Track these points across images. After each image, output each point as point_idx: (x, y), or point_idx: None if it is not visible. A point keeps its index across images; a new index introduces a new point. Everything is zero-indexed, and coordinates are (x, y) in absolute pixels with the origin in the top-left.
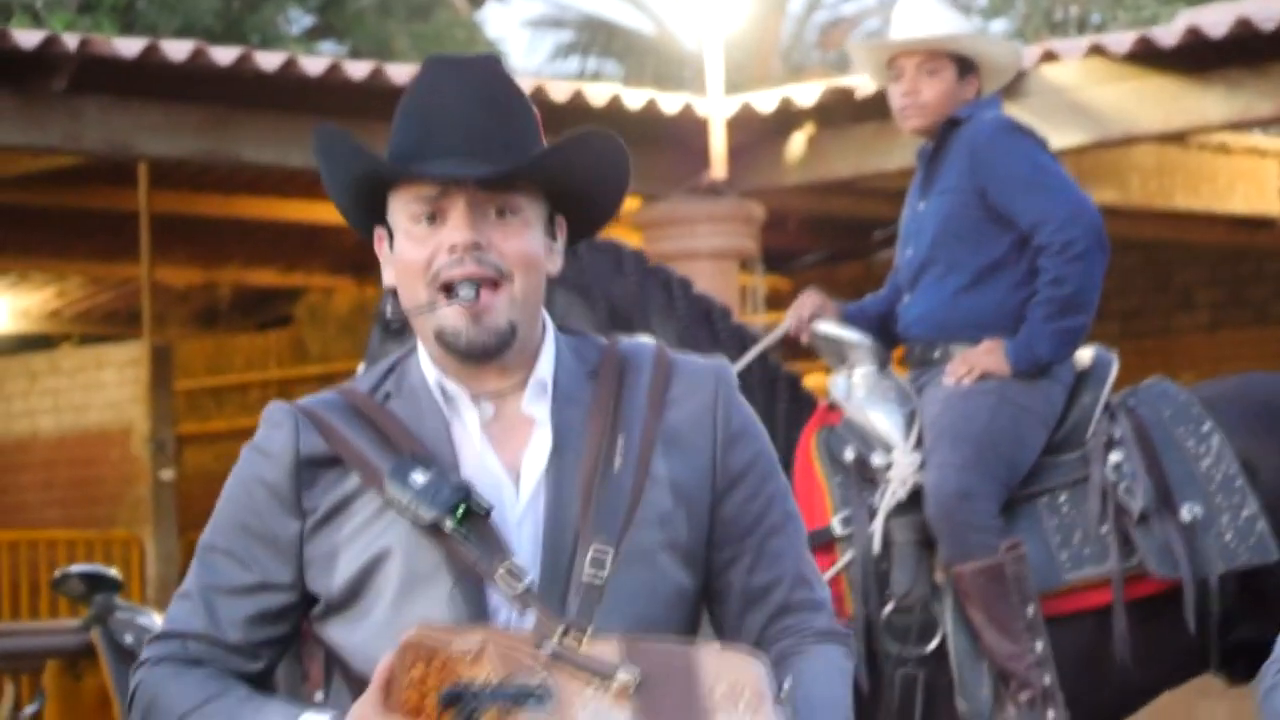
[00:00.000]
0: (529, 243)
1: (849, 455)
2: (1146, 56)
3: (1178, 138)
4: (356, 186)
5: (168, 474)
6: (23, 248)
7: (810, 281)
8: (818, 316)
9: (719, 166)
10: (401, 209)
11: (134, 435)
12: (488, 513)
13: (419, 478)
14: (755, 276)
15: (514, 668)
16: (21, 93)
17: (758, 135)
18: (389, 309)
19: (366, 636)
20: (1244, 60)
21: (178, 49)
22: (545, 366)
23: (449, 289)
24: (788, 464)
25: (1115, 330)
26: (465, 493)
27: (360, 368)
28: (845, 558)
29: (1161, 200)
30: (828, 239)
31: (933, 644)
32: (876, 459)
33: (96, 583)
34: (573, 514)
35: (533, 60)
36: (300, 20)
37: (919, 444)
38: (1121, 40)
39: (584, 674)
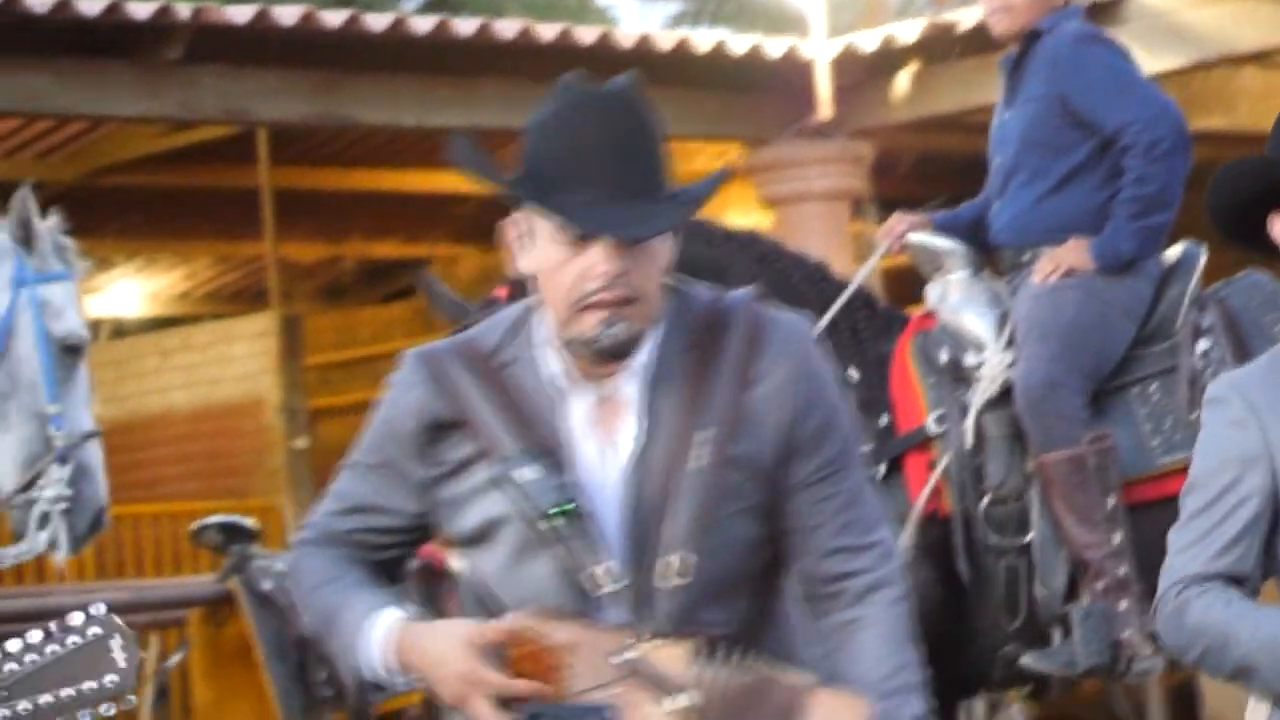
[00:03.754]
0: (660, 266)
1: (943, 357)
2: None
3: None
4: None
5: (301, 442)
6: (148, 230)
7: None
8: (911, 231)
9: (824, 108)
10: (550, 227)
11: (266, 406)
12: (584, 516)
13: (529, 473)
14: (868, 221)
15: (596, 673)
16: (136, 64)
17: (862, 75)
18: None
19: (492, 572)
20: None
21: (288, 13)
22: (647, 352)
23: (590, 308)
24: (882, 373)
25: (1231, 259)
26: (568, 495)
27: None
28: (941, 455)
29: (1268, 124)
30: (942, 180)
31: (1031, 534)
32: (969, 359)
33: (233, 533)
34: (655, 507)
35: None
36: None
37: (1010, 343)
38: None
39: (653, 688)
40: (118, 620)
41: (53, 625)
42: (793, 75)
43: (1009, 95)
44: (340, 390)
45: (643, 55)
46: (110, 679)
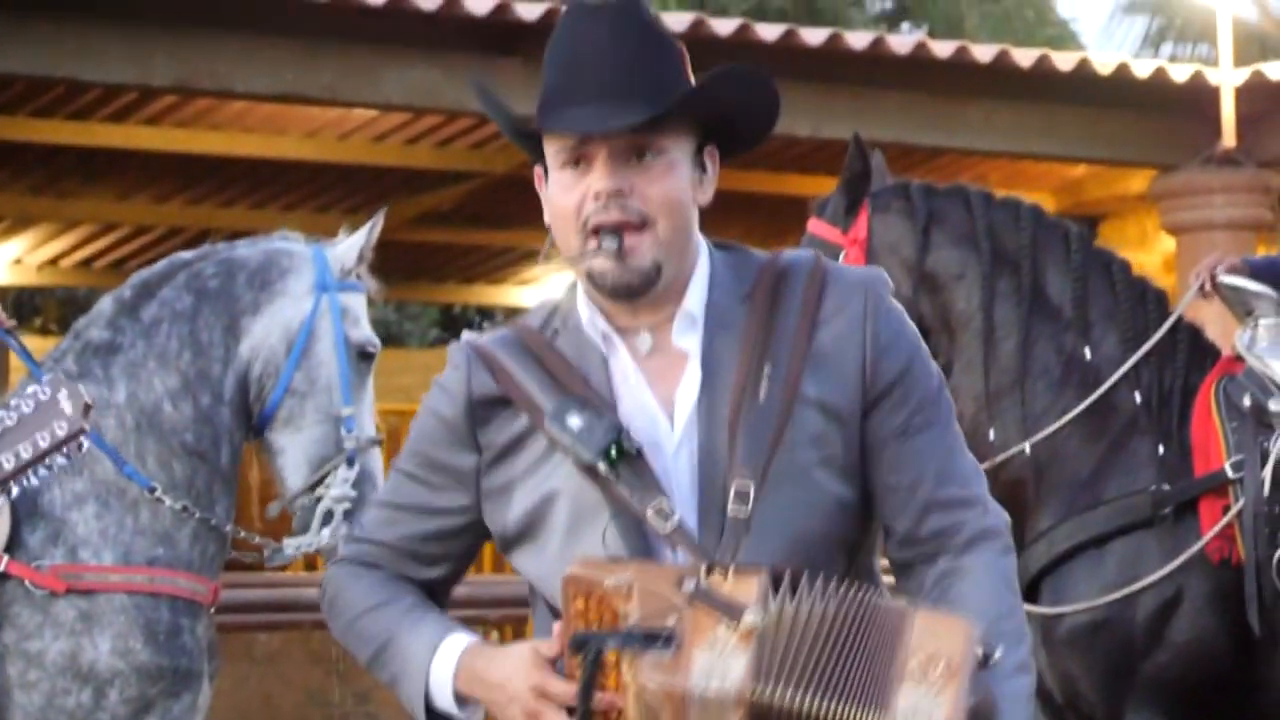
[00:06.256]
0: (672, 185)
1: (1246, 402)
2: None
3: None
4: (514, 135)
5: None
6: None
7: None
8: (1225, 271)
9: (1229, 135)
10: (551, 155)
11: None
12: (639, 452)
13: (575, 420)
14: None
15: (657, 606)
16: (530, 63)
17: (1273, 104)
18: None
19: (547, 566)
20: None
21: (724, 25)
22: (694, 297)
23: (596, 233)
24: (1186, 411)
25: None
26: (617, 434)
27: None
28: (1237, 501)
29: None
30: None
31: None
32: (1274, 405)
33: None
34: (722, 446)
35: (1109, 45)
36: (875, 4)
37: None
38: None
39: (717, 614)
40: (65, 380)
41: (10, 399)
42: (1201, 101)
43: None
44: None
45: (1041, 74)
46: (60, 425)
